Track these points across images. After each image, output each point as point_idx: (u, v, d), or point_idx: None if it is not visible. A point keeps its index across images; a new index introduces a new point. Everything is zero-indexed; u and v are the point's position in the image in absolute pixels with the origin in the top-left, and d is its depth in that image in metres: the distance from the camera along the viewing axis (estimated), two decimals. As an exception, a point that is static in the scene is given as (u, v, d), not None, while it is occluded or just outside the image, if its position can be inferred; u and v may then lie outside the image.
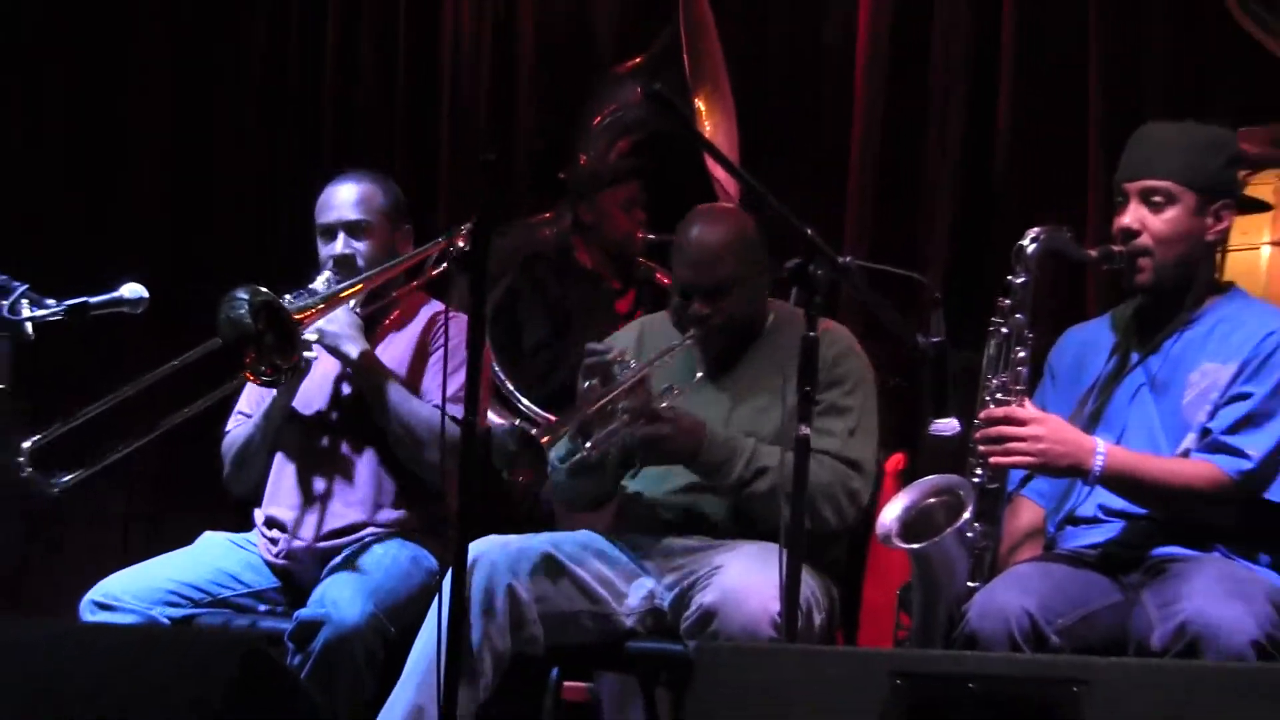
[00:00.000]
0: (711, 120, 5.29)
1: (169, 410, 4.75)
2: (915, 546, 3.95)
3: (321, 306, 4.52)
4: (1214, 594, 3.66)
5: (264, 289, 4.43)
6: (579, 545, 4.37)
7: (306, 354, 4.51)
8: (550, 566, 4.26)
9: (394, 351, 4.74)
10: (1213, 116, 4.27)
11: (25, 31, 6.83)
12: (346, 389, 4.71)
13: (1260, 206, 4.54)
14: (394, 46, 6.66)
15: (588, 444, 4.18)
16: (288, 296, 4.53)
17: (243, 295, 4.40)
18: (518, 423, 3.91)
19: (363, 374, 4.61)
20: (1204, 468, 3.89)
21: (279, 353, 4.42)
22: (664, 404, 4.30)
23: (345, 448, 4.71)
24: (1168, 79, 5.66)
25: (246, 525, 4.81)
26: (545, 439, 3.98)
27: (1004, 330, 4.00)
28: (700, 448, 4.27)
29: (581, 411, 4.15)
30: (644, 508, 4.47)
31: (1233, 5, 5.55)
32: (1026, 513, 4.16)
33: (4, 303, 4.53)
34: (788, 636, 3.67)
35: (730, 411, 4.42)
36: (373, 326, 4.75)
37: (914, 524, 3.99)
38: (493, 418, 4.98)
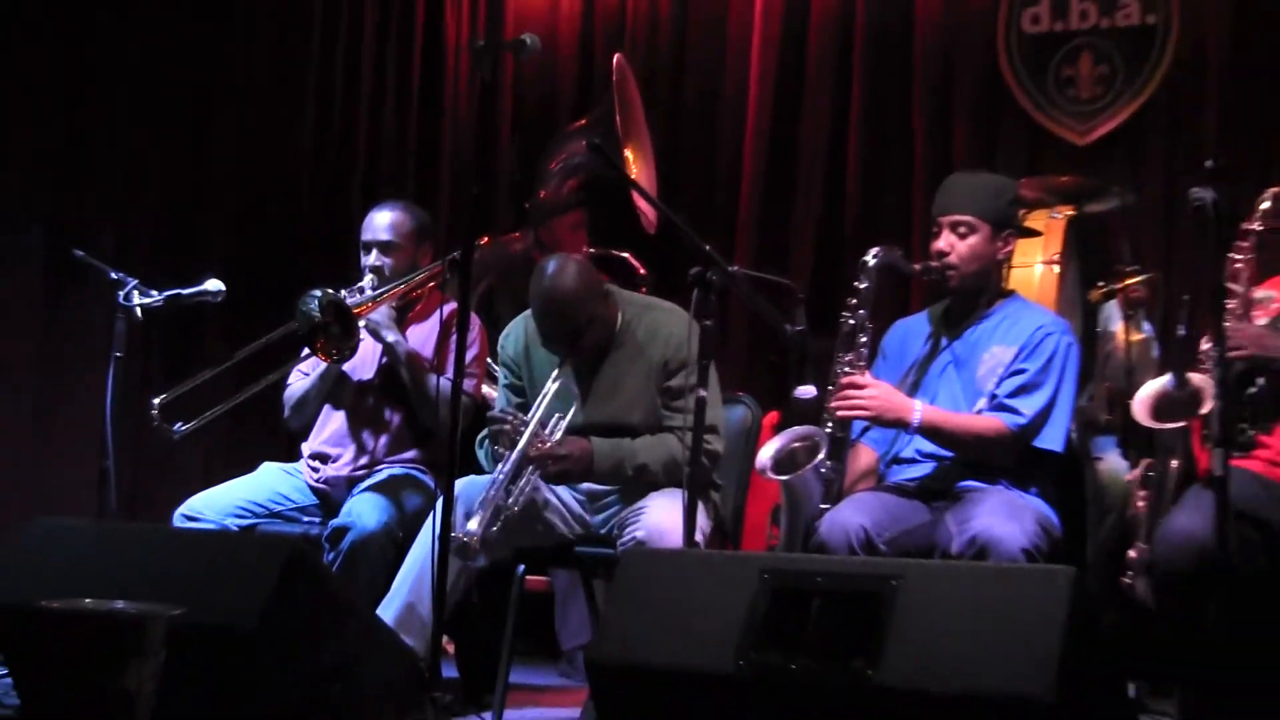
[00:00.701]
0: (637, 166, 5.25)
1: (232, 375, 4.76)
2: (784, 478, 3.98)
3: (369, 305, 4.54)
4: (997, 515, 3.71)
5: (331, 290, 4.45)
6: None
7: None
8: None
9: (417, 336, 4.72)
10: (1001, 169, 4.31)
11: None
12: (386, 361, 4.69)
13: (1034, 234, 4.58)
14: (408, 109, 6.64)
15: (509, 500, 4.07)
16: (344, 292, 4.54)
17: (315, 294, 4.41)
18: (453, 533, 3.78)
19: (395, 354, 4.61)
20: (991, 422, 3.93)
21: (342, 339, 4.43)
22: (555, 436, 4.18)
23: (382, 406, 4.69)
24: (970, 142, 5.71)
25: (294, 457, 4.80)
26: (475, 540, 3.93)
27: (851, 322, 4.01)
28: (593, 466, 4.20)
29: (494, 498, 4.04)
30: None
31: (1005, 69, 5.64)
32: (864, 455, 4.17)
33: (120, 292, 4.52)
34: (687, 545, 3.69)
35: (605, 417, 4.30)
36: (402, 316, 4.74)
37: (783, 461, 4.01)
38: (487, 390, 4.96)
